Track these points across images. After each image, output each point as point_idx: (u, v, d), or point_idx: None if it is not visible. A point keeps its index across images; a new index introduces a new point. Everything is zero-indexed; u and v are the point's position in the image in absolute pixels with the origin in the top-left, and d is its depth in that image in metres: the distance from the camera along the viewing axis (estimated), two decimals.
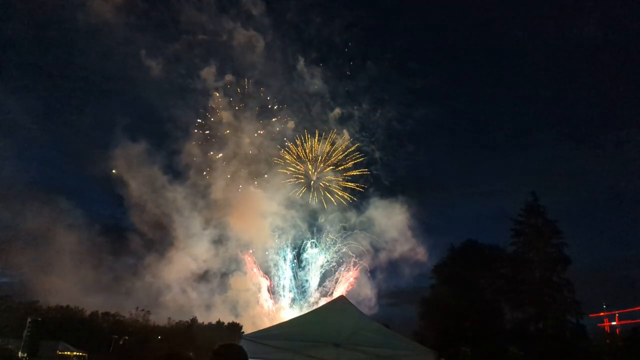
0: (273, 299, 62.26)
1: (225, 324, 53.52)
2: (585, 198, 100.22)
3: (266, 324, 54.26)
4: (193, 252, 61.73)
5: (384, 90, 72.42)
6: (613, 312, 64.60)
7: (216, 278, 63.21)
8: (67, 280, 57.25)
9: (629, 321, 59.09)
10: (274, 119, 67.76)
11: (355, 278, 63.44)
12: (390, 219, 63.82)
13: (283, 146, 67.55)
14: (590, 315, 56.62)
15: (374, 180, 67.78)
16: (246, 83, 67.78)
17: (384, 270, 66.14)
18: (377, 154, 68.77)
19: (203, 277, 62.89)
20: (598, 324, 63.36)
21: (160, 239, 62.91)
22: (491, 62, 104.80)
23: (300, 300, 62.79)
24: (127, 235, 64.95)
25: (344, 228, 64.15)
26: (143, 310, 53.11)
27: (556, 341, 35.42)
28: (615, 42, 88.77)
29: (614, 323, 63.47)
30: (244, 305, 61.51)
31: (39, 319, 26.17)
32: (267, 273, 62.80)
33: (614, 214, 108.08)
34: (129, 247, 64.33)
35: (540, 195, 40.90)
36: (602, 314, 65.40)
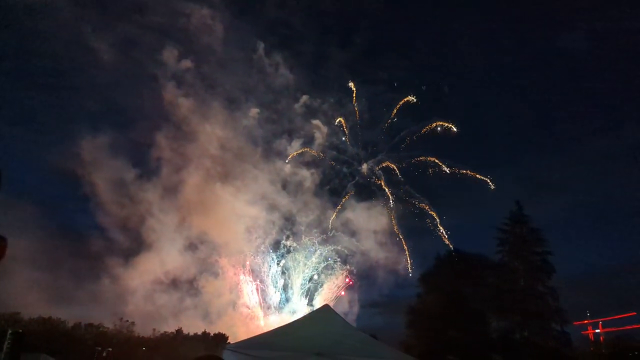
0: (252, 305, 60.76)
1: (211, 334, 52.61)
2: (569, 208, 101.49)
3: (243, 331, 52.99)
4: (165, 256, 59.70)
5: (353, 80, 69.37)
6: (597, 320, 65.23)
7: (190, 284, 61.09)
8: (36, 290, 55.65)
9: (613, 329, 59.83)
10: (239, 112, 65.17)
11: (338, 286, 62.24)
12: (373, 224, 62.60)
13: (253, 141, 65.24)
14: (575, 323, 57.19)
15: (352, 179, 66.09)
16: (207, 70, 65.09)
17: (369, 278, 64.84)
18: (353, 149, 67.01)
19: (177, 283, 60.79)
20: (582, 332, 63.94)
21: (130, 243, 60.69)
22: (474, 70, 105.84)
23: (282, 307, 61.18)
24: (96, 241, 62.71)
25: (324, 231, 62.58)
26: (127, 321, 52.16)
27: (541, 349, 35.71)
28: (600, 54, 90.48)
29: (597, 331, 64.03)
30: (221, 313, 59.81)
31: (20, 331, 25.69)
32: (245, 278, 61.13)
33: (599, 223, 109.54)
34: (98, 253, 62.07)
35: (525, 204, 41.47)
36: (585, 321, 65.88)
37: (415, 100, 62.64)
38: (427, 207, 62.00)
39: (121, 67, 66.30)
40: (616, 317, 61.71)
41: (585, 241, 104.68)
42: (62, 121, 75.83)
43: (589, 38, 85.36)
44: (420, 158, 62.44)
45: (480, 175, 61.69)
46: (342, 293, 62.00)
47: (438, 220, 61.77)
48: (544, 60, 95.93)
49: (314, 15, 71.74)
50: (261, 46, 66.35)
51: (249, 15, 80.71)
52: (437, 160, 62.33)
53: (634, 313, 59.65)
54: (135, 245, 59.93)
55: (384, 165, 64.19)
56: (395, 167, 63.51)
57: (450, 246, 58.61)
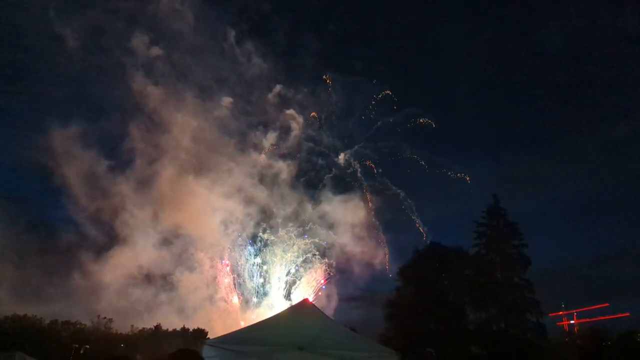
0: (230, 300, 59.99)
1: (190, 330, 52.08)
2: (545, 202, 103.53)
3: (220, 326, 52.44)
4: (139, 251, 58.45)
5: (328, 69, 67.52)
6: (571, 311, 66.82)
7: (165, 278, 59.98)
8: (9, 287, 54.32)
9: (587, 320, 61.43)
10: (211, 102, 63.64)
11: (317, 281, 61.83)
12: (350, 217, 62.14)
13: (227, 132, 63.75)
14: (550, 314, 58.54)
15: (328, 172, 65.33)
16: (177, 58, 63.32)
17: (347, 272, 64.47)
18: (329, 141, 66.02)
19: (151, 278, 59.59)
20: (557, 323, 65.39)
21: (103, 238, 59.44)
22: (453, 65, 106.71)
23: (260, 301, 60.45)
24: (68, 236, 61.36)
25: (301, 224, 61.94)
26: (105, 318, 51.21)
27: (517, 340, 36.36)
28: (574, 51, 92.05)
29: (572, 322, 65.61)
30: (197, 308, 58.94)
31: None
32: (222, 272, 60.09)
33: (573, 217, 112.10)
34: (70, 248, 60.67)
35: (503, 199, 42.04)
36: (561, 313, 67.51)
37: (393, 96, 62.71)
38: (404, 203, 62.48)
39: (90, 56, 64.57)
40: (590, 308, 63.41)
41: (560, 234, 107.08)
42: (30, 113, 73.40)
43: (563, 34, 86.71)
44: (397, 154, 62.63)
45: (459, 169, 62.36)
46: (321, 287, 61.56)
47: (416, 214, 62.30)
48: (521, 56, 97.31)
49: (286, 1, 70.83)
50: (232, 34, 64.97)
51: (219, 1, 78.98)
52: (414, 156, 62.73)
53: (607, 304, 61.43)
54: (108, 239, 58.86)
55: (361, 160, 64.12)
56: (371, 162, 63.52)
57: (427, 240, 58.99)
